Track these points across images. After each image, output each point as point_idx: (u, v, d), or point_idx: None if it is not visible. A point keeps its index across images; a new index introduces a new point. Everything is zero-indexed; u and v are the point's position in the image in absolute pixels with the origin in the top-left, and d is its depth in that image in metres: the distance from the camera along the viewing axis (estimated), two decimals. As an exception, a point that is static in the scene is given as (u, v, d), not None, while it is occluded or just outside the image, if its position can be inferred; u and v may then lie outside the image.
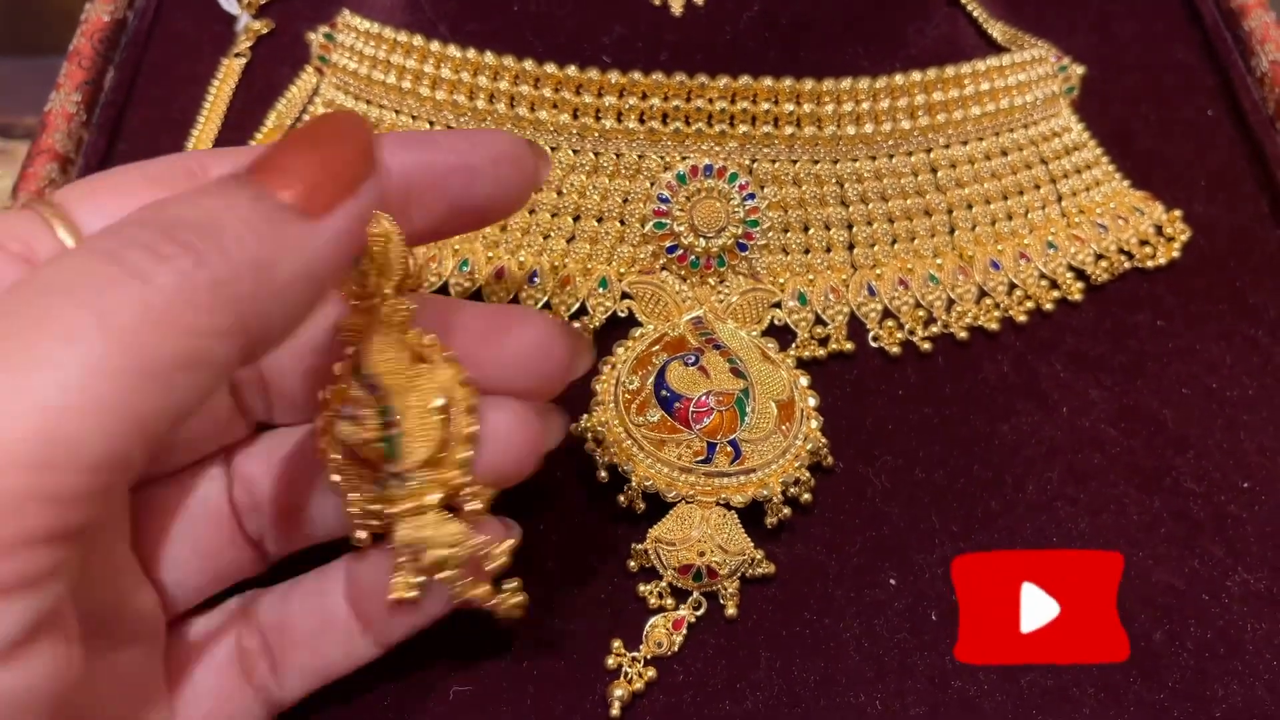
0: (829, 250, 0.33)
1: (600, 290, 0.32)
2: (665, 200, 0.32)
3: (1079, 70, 0.39)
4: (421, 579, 0.25)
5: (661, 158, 0.33)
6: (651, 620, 0.28)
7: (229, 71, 0.39)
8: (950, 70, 0.34)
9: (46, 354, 0.16)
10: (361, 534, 0.25)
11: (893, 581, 0.29)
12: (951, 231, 0.34)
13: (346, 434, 0.24)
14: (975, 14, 0.37)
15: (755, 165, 0.33)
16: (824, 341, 0.33)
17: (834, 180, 0.33)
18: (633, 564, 0.29)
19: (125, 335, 0.17)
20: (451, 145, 0.24)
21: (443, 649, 0.28)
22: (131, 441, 0.17)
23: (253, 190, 0.19)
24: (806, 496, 0.29)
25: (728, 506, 0.29)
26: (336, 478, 0.24)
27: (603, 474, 0.29)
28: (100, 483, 0.17)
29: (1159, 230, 0.36)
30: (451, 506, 0.25)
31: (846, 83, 0.33)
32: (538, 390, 0.26)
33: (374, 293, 0.24)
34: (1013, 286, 0.34)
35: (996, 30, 0.38)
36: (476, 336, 0.25)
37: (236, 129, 0.38)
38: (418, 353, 0.24)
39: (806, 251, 0.33)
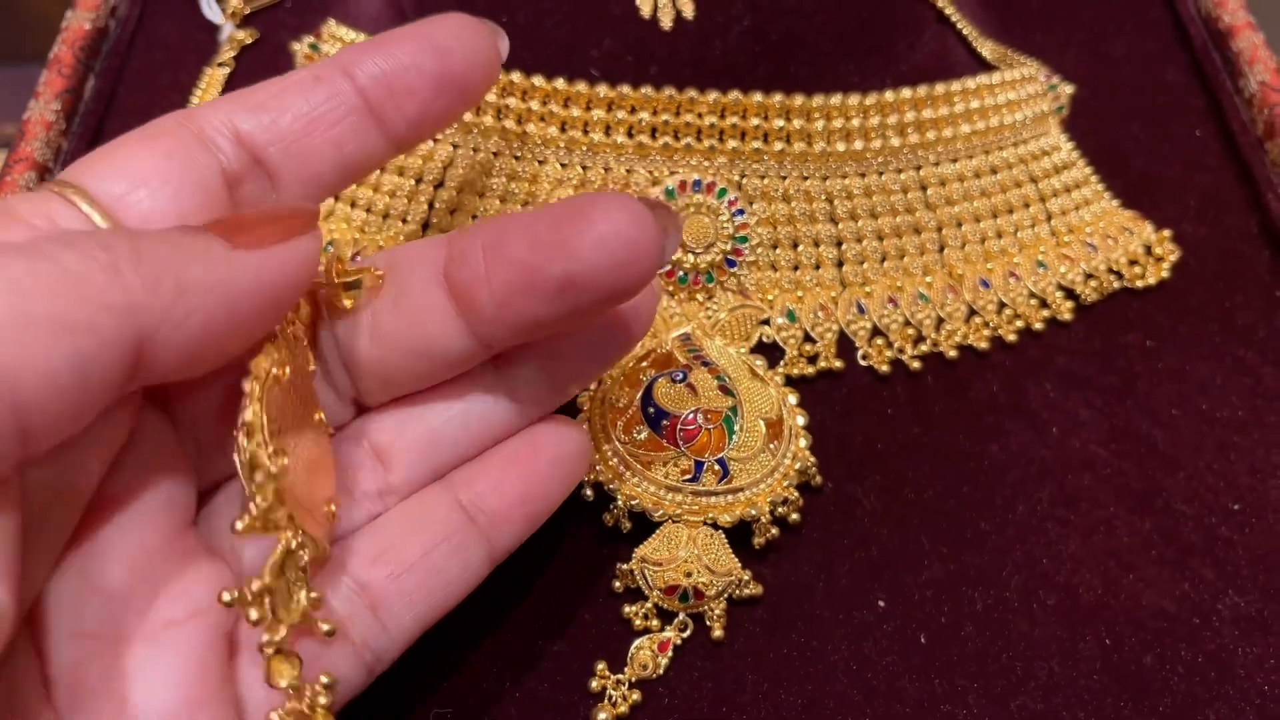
0: (818, 267, 0.33)
1: (587, 306, 0.32)
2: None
3: (1068, 89, 0.39)
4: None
5: (650, 172, 0.32)
6: (637, 642, 0.27)
7: (212, 81, 0.38)
8: (940, 88, 0.34)
9: None
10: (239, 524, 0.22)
11: (882, 603, 0.29)
12: (941, 249, 0.34)
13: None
14: (965, 32, 0.37)
15: (744, 181, 0.32)
16: (813, 359, 0.32)
17: (823, 197, 0.33)
18: (618, 584, 0.28)
19: (33, 294, 0.17)
20: (411, 32, 0.24)
21: (422, 671, 0.27)
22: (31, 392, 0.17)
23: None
24: (795, 516, 0.29)
25: (715, 526, 0.28)
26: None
27: (588, 492, 0.29)
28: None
29: (1148, 250, 0.36)
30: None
31: (836, 99, 0.33)
32: (636, 281, 0.22)
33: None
34: (1002, 305, 0.34)
35: (986, 48, 0.38)
36: (539, 239, 0.22)
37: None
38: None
39: (795, 268, 0.33)
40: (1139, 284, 0.35)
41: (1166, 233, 0.36)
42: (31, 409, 0.17)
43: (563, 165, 0.32)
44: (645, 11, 0.33)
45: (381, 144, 0.24)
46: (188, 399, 0.23)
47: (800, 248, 0.33)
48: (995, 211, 0.35)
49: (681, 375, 0.30)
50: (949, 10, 0.37)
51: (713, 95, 0.32)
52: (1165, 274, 0.36)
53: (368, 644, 0.24)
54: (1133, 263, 0.36)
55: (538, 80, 0.32)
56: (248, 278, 0.20)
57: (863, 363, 0.33)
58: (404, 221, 0.33)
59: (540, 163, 0.32)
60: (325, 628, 0.22)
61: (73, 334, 0.18)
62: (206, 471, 0.24)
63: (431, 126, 0.25)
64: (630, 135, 0.32)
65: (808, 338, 0.32)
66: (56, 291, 0.18)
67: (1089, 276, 0.35)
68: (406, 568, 0.24)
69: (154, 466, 0.22)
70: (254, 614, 0.21)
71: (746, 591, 0.28)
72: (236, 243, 0.20)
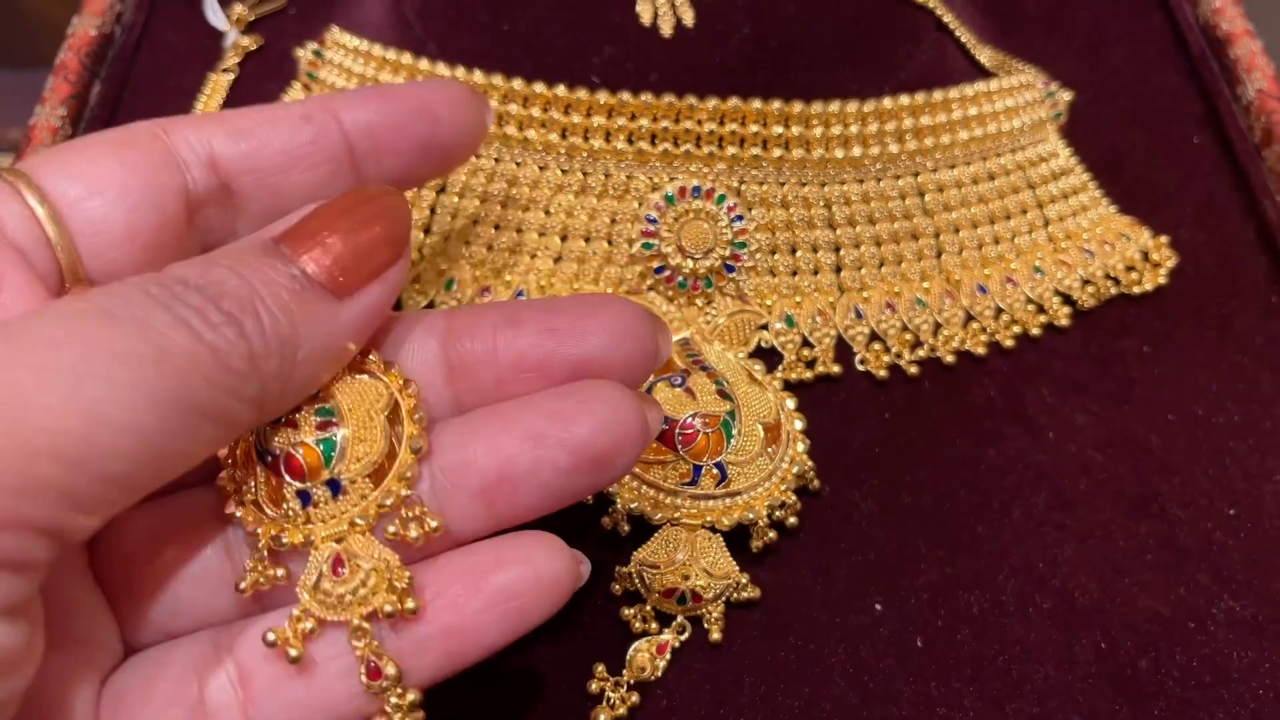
0: (816, 273, 0.33)
1: (587, 311, 0.32)
2: (653, 221, 0.32)
3: (1066, 96, 0.39)
4: (312, 627, 0.22)
5: (650, 178, 0.32)
6: (635, 645, 0.28)
7: (216, 87, 0.39)
8: (938, 95, 0.34)
9: (104, 370, 0.18)
10: (244, 584, 0.22)
11: (878, 607, 0.29)
12: (939, 255, 0.34)
13: (276, 441, 0.22)
14: (964, 39, 0.37)
15: (743, 187, 0.33)
16: (811, 364, 0.33)
17: (822, 203, 0.33)
18: (616, 587, 0.29)
19: (175, 376, 0.18)
20: (408, 93, 0.25)
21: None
22: (147, 469, 0.19)
23: (284, 261, 0.21)
24: (792, 520, 0.29)
25: (713, 530, 0.28)
26: (235, 509, 0.23)
27: (588, 497, 0.29)
28: (110, 497, 0.18)
29: (1145, 256, 0.36)
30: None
31: (835, 106, 0.33)
32: (628, 375, 0.24)
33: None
34: (999, 311, 0.34)
35: (985, 55, 0.38)
36: (556, 326, 0.23)
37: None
38: (355, 363, 0.23)
39: (794, 274, 0.33)
40: (1136, 290, 0.35)
41: (1164, 239, 0.37)
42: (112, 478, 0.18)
43: (563, 171, 0.33)
44: (645, 19, 0.33)
45: None
46: (113, 541, 0.23)
47: (799, 253, 0.33)
48: (993, 218, 0.35)
49: (680, 380, 0.30)
50: (947, 18, 0.37)
51: (712, 102, 0.32)
52: (1162, 280, 0.36)
53: None
54: (1130, 269, 0.36)
55: (539, 87, 0.32)
56: (347, 328, 0.22)
57: (860, 368, 0.33)
58: (406, 227, 0.33)
59: (541, 168, 0.33)
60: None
61: (203, 421, 0.19)
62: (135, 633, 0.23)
63: (406, 185, 0.26)
64: (630, 141, 0.32)
65: (806, 343, 0.33)
66: (188, 376, 0.19)
67: (1086, 282, 0.35)
68: (291, 675, 0.22)
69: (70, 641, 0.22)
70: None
71: (744, 595, 0.28)
72: (340, 291, 0.21)
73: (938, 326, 0.33)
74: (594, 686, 0.27)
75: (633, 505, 0.28)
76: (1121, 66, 0.42)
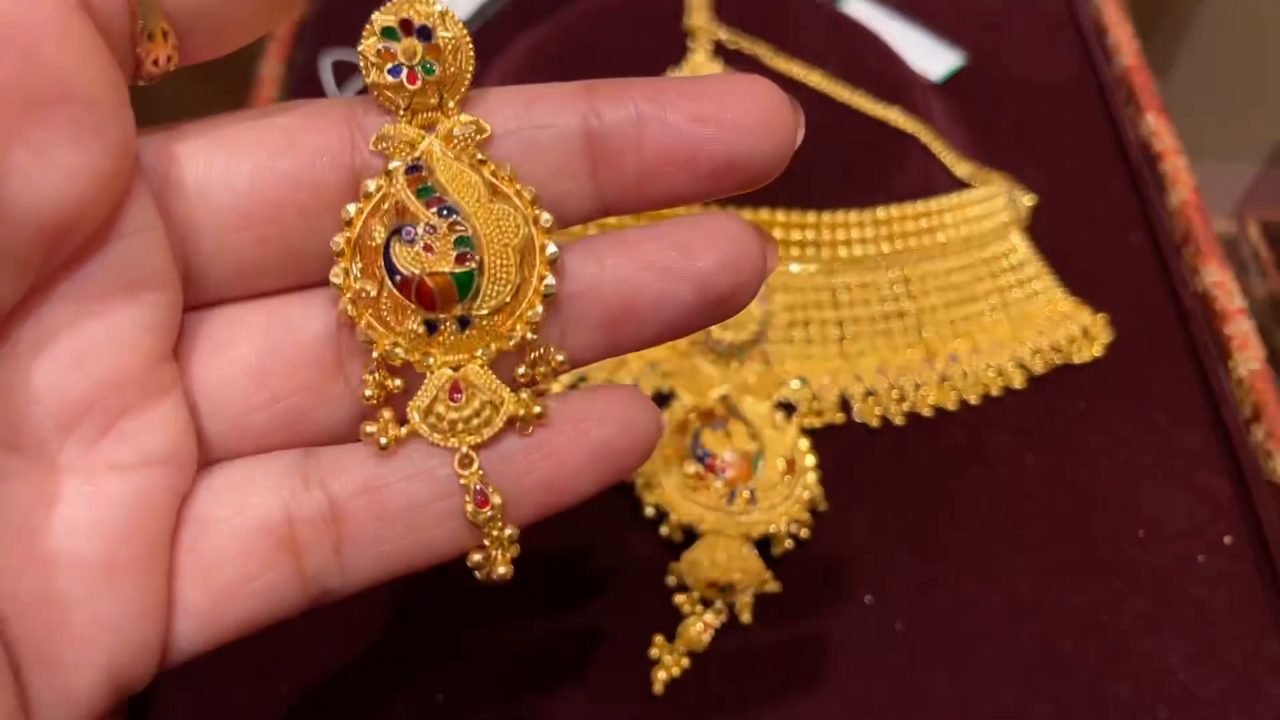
0: (825, 344, 0.43)
1: (648, 370, 0.42)
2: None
3: (1027, 201, 0.49)
4: (408, 429, 0.21)
5: (697, 269, 0.42)
6: (685, 621, 0.37)
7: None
8: (920, 205, 0.44)
9: None
10: (370, 391, 0.21)
11: (868, 599, 0.38)
12: (920, 330, 0.44)
13: (407, 260, 0.20)
14: (944, 158, 0.47)
15: (770, 277, 0.42)
16: (820, 414, 0.42)
17: (829, 290, 0.43)
18: (671, 579, 0.38)
19: None
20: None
21: (509, 643, 0.36)
22: None
23: None
24: (805, 533, 0.39)
25: (745, 538, 0.38)
26: (364, 322, 0.21)
27: (650, 510, 0.38)
28: None
29: (1086, 331, 0.46)
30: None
31: (840, 215, 0.43)
32: (766, 173, 0.21)
33: (432, 104, 0.21)
34: (966, 375, 0.44)
35: (962, 169, 0.48)
36: (703, 114, 0.21)
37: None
38: (492, 185, 0.21)
39: (808, 343, 0.43)
40: (1077, 359, 0.45)
41: (1101, 317, 0.46)
42: None
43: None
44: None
45: None
46: (190, 199, 0.20)
47: (811, 328, 0.43)
48: (963, 301, 0.45)
49: (721, 425, 0.39)
50: (931, 143, 0.47)
51: (746, 212, 0.42)
52: (1098, 352, 0.45)
53: (319, 578, 0.22)
54: (1073, 341, 0.45)
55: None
56: None
57: (857, 419, 0.42)
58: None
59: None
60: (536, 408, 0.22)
61: None
62: (187, 291, 0.21)
63: None
64: (683, 241, 0.42)
65: (816, 397, 0.42)
66: None
67: (1037, 352, 0.45)
68: (390, 516, 0.21)
69: (141, 265, 0.19)
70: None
71: (768, 588, 0.38)
72: None
73: (918, 386, 0.43)
74: (654, 652, 0.36)
75: (684, 518, 0.38)
76: (1075, 174, 0.52)
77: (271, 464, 0.22)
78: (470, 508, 0.21)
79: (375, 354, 0.21)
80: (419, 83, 0.21)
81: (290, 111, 0.21)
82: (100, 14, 0.18)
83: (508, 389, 0.22)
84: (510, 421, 0.22)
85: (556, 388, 0.41)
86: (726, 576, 0.37)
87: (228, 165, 0.20)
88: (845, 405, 0.42)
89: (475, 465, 0.21)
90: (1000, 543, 0.39)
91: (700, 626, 0.37)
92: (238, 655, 0.22)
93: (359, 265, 0.21)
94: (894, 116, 0.46)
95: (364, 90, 0.21)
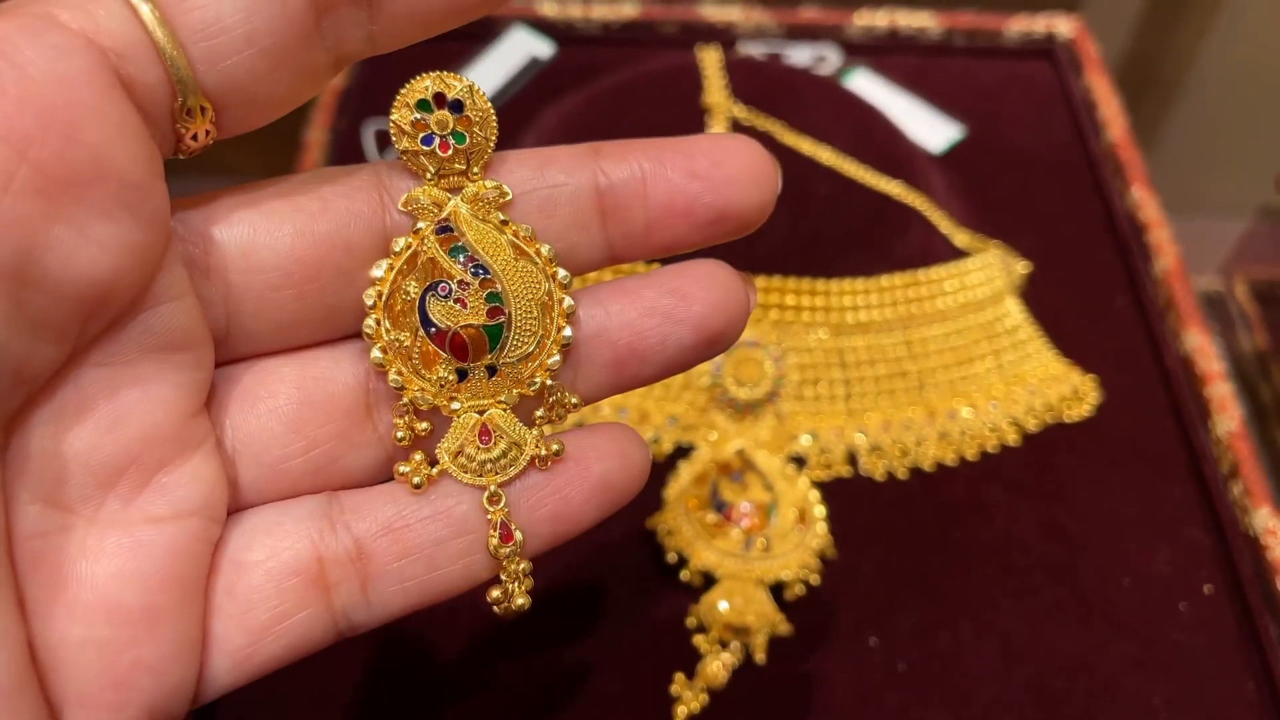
0: (833, 401, 0.46)
1: (669, 425, 0.45)
2: (718, 365, 0.45)
3: (1020, 269, 0.52)
4: (435, 469, 0.23)
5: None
6: (704, 660, 0.40)
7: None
8: (921, 274, 0.47)
9: None
10: (402, 433, 0.23)
11: (873, 641, 0.41)
12: (921, 389, 0.47)
13: (442, 314, 0.23)
14: (943, 227, 0.51)
15: (782, 340, 0.46)
16: (828, 467, 0.45)
17: (837, 351, 0.46)
18: (691, 621, 0.41)
19: None
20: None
21: (537, 686, 0.39)
22: None
23: None
24: (815, 578, 0.42)
25: (760, 583, 0.41)
26: (394, 370, 0.23)
27: (672, 556, 0.41)
28: None
29: (1076, 392, 0.49)
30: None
31: (846, 283, 0.46)
32: (754, 220, 0.24)
33: (460, 169, 0.23)
34: (964, 432, 0.47)
35: (960, 238, 0.51)
36: (697, 171, 0.23)
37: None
38: (515, 245, 0.23)
39: (817, 400, 0.46)
40: (1068, 418, 0.48)
41: (1091, 378, 0.49)
42: None
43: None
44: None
45: None
46: (235, 261, 0.22)
47: (820, 386, 0.46)
48: (961, 362, 0.48)
49: (738, 476, 0.43)
50: (931, 214, 0.50)
51: (761, 280, 0.45)
52: (1089, 410, 0.48)
53: (347, 613, 0.23)
54: (1064, 400, 0.49)
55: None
56: None
57: (863, 473, 0.45)
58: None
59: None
60: (555, 447, 0.24)
61: None
62: (224, 348, 0.23)
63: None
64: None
65: (825, 451, 0.45)
66: None
67: (1030, 411, 0.48)
68: (412, 554, 0.23)
69: (173, 330, 0.21)
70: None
71: (780, 630, 0.40)
72: None
73: (920, 441, 0.46)
74: (674, 689, 0.39)
75: (703, 564, 0.41)
76: (1065, 242, 0.55)
77: (300, 508, 0.23)
78: (494, 542, 0.23)
79: (405, 399, 0.23)
80: (450, 151, 0.23)
81: (323, 178, 0.23)
82: (139, 93, 0.19)
83: (529, 430, 0.24)
84: (531, 460, 0.24)
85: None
86: (742, 619, 0.40)
87: (270, 230, 0.22)
88: (852, 459, 0.46)
89: (503, 502, 0.23)
90: (996, 588, 0.42)
91: (718, 665, 0.40)
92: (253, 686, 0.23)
93: (389, 318, 0.23)
94: (897, 189, 0.50)
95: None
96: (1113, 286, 0.53)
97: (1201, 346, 0.49)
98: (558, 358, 0.23)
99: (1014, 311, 0.50)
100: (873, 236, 0.48)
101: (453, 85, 0.22)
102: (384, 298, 0.23)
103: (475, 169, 0.23)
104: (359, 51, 0.21)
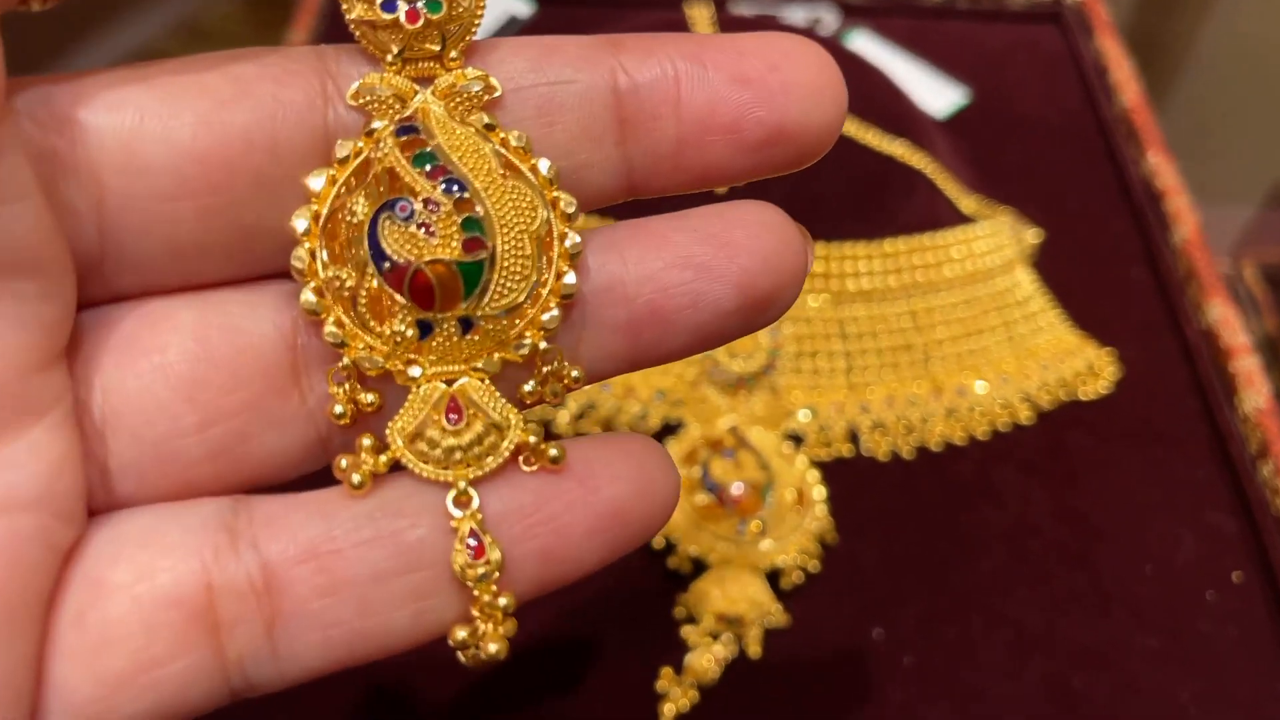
0: (833, 375, 0.43)
1: (657, 399, 0.42)
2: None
3: (1031, 237, 0.49)
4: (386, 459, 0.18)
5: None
6: (693, 653, 0.37)
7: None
8: (926, 239, 0.44)
9: None
10: (340, 407, 0.18)
11: (877, 632, 0.38)
12: (927, 362, 0.44)
13: (400, 244, 0.17)
14: (949, 192, 0.48)
15: (778, 308, 0.42)
16: (828, 445, 0.42)
17: (837, 321, 0.43)
18: (680, 611, 0.38)
19: None
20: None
21: (513, 688, 0.36)
22: None
23: None
24: (814, 565, 0.38)
25: (754, 570, 0.38)
26: (333, 319, 0.17)
27: (658, 541, 0.38)
28: None
29: (1091, 367, 0.46)
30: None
31: (848, 247, 0.43)
32: (815, 150, 0.19)
33: (432, 51, 0.17)
34: (973, 408, 0.44)
35: (968, 204, 0.48)
36: (748, 74, 0.18)
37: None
38: (503, 158, 0.17)
39: (815, 374, 0.43)
40: (1082, 394, 0.45)
41: (1107, 353, 0.46)
42: None
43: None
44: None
45: None
46: (111, 155, 0.16)
47: (819, 358, 0.43)
48: (969, 334, 0.45)
49: (730, 454, 0.39)
50: (936, 177, 0.47)
51: (756, 244, 0.42)
52: (1105, 386, 0.45)
53: (243, 666, 0.17)
54: (1079, 377, 0.46)
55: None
56: None
57: (865, 452, 0.42)
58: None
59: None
60: (553, 453, 0.18)
61: None
62: (96, 278, 0.17)
63: None
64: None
65: (824, 428, 0.42)
66: None
67: (1043, 387, 0.45)
68: (342, 591, 0.17)
69: (7, 245, 0.15)
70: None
71: (776, 621, 0.37)
72: None
73: (926, 419, 0.43)
74: (661, 685, 0.36)
75: (693, 549, 0.38)
76: (1078, 210, 0.52)
77: (190, 514, 0.17)
78: (462, 559, 0.17)
79: (347, 360, 0.17)
80: (420, 22, 0.17)
81: (244, 56, 0.17)
82: None
83: (515, 409, 0.18)
84: (516, 450, 0.18)
85: (564, 415, 0.41)
86: (735, 609, 0.37)
87: (164, 116, 0.16)
88: (853, 437, 0.42)
89: (474, 505, 0.18)
90: (1008, 577, 0.39)
91: (708, 659, 0.36)
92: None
93: (328, 249, 0.17)
94: (900, 151, 0.46)
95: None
96: (1129, 257, 0.50)
97: (1225, 319, 0.46)
98: (556, 313, 0.18)
99: (1025, 281, 0.47)
100: (875, 199, 0.45)
101: None
102: (321, 220, 0.17)
103: (454, 53, 0.17)
104: None
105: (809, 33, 0.53)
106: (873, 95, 0.49)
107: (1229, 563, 0.40)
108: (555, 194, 0.18)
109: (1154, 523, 0.41)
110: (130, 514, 0.17)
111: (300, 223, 0.17)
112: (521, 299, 0.17)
